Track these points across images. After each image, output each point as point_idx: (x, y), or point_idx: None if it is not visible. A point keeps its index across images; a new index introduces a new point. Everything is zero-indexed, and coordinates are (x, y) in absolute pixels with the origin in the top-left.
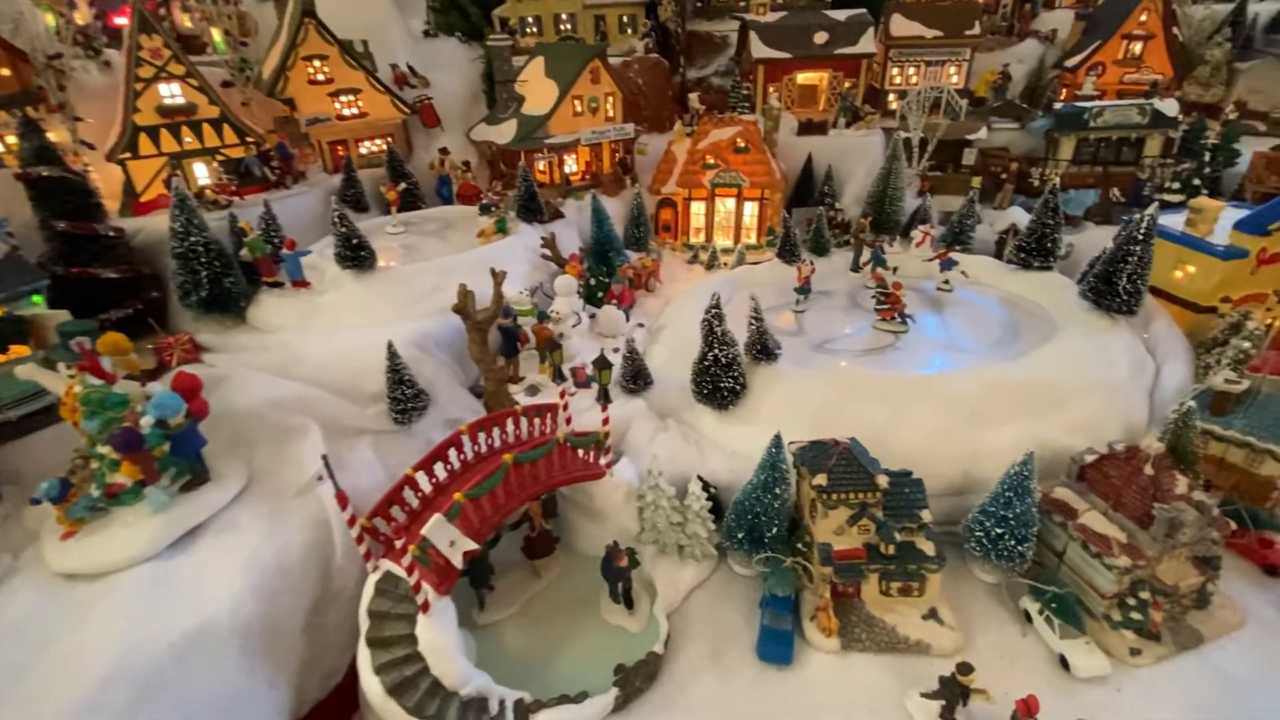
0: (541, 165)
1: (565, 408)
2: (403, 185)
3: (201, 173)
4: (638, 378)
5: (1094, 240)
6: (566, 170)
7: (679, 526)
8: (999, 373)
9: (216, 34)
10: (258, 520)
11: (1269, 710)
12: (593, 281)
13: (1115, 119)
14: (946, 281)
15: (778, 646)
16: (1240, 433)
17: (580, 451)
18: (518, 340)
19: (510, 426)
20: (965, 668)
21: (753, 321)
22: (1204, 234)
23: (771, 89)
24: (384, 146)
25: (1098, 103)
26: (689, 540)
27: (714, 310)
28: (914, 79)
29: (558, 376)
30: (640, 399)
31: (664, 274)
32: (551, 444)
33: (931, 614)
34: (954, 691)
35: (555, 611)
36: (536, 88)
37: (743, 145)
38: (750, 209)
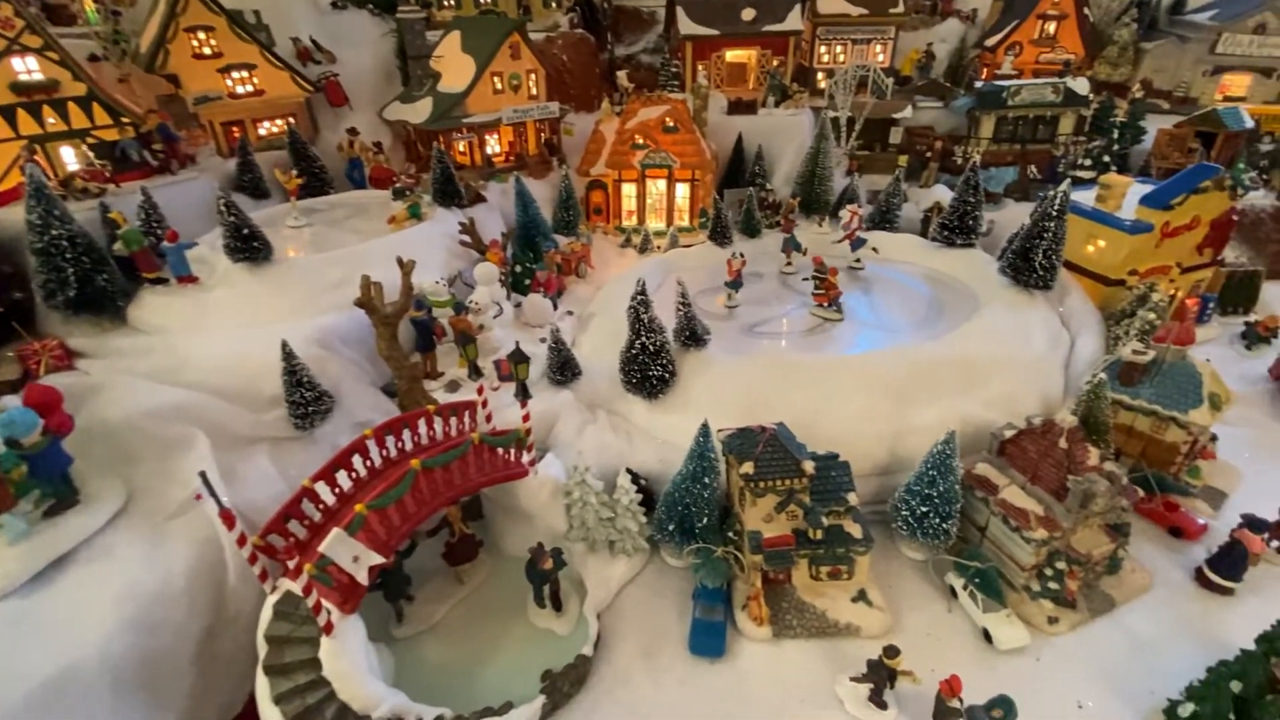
0: (461, 146)
1: (484, 405)
2: (294, 173)
3: (70, 157)
4: (565, 368)
5: (1013, 217)
6: (489, 151)
7: (609, 522)
8: (923, 352)
9: (88, 1)
10: (136, 545)
11: (1175, 668)
12: (518, 269)
13: (1032, 97)
14: (858, 260)
15: (709, 639)
16: (1147, 401)
17: (500, 451)
18: (433, 334)
19: (423, 428)
20: (892, 651)
21: (680, 308)
22: (1113, 209)
23: (700, 67)
24: (285, 127)
25: (1015, 81)
26: (619, 535)
27: (640, 297)
28: (841, 57)
29: (473, 372)
30: (568, 390)
31: (595, 259)
32: (465, 446)
33: (861, 596)
34: (881, 675)
35: (480, 619)
36: (453, 64)
37: (672, 125)
38: (682, 190)
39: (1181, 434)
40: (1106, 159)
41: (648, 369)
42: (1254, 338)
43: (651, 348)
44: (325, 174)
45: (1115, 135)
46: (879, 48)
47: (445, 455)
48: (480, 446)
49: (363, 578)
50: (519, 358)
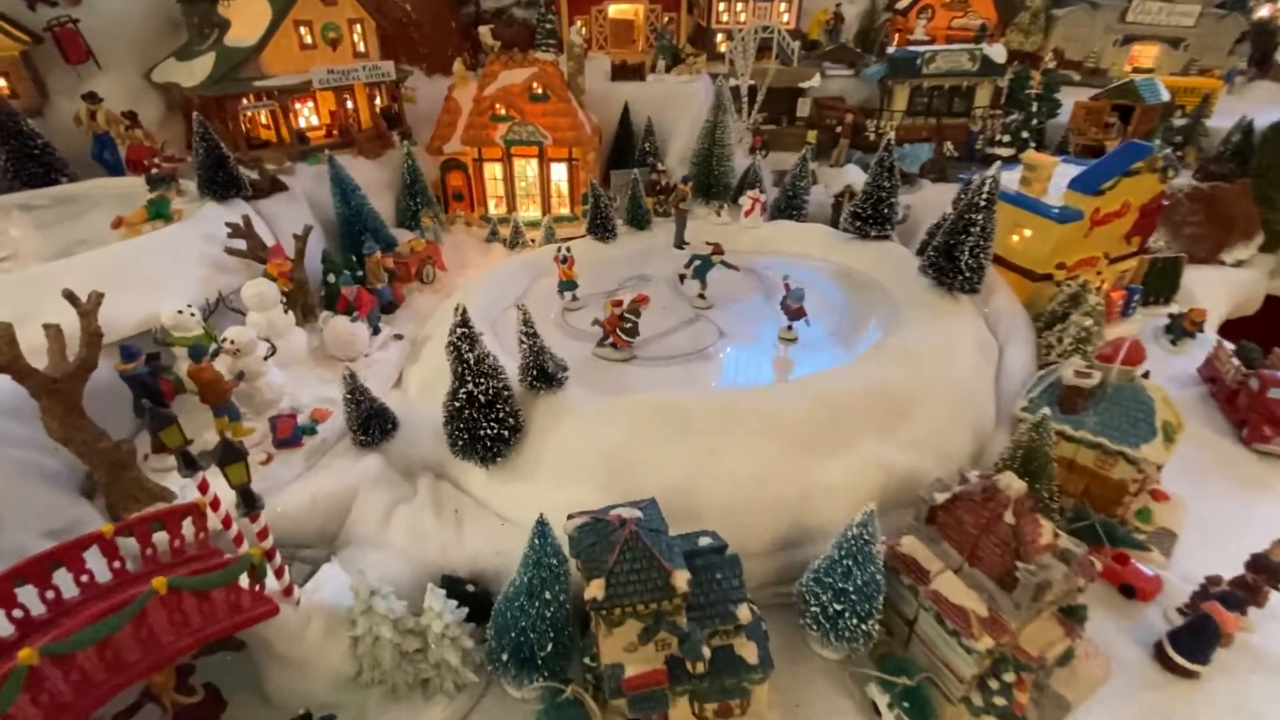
0: (264, 118)
1: (214, 506)
2: None
3: None
4: (370, 425)
5: (931, 200)
6: (304, 124)
7: (416, 656)
8: (832, 383)
9: None
10: None
11: None
12: (330, 279)
13: (947, 65)
14: (703, 295)
15: None
16: (1091, 433)
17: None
18: (159, 393)
19: (99, 559)
20: None
21: (524, 339)
22: (1039, 193)
23: (579, 22)
24: None
25: (930, 47)
26: (434, 672)
27: (461, 329)
28: (743, 16)
29: (186, 465)
30: (376, 455)
31: (451, 258)
32: (142, 599)
33: None
34: None
35: None
36: (246, 10)
37: (540, 91)
38: (559, 172)
39: (1131, 470)
40: (1025, 134)
41: (477, 426)
42: (1179, 332)
43: (483, 397)
44: (52, 156)
45: (1034, 109)
46: (783, 6)
47: (106, 623)
48: (177, 595)
49: None
50: (227, 455)
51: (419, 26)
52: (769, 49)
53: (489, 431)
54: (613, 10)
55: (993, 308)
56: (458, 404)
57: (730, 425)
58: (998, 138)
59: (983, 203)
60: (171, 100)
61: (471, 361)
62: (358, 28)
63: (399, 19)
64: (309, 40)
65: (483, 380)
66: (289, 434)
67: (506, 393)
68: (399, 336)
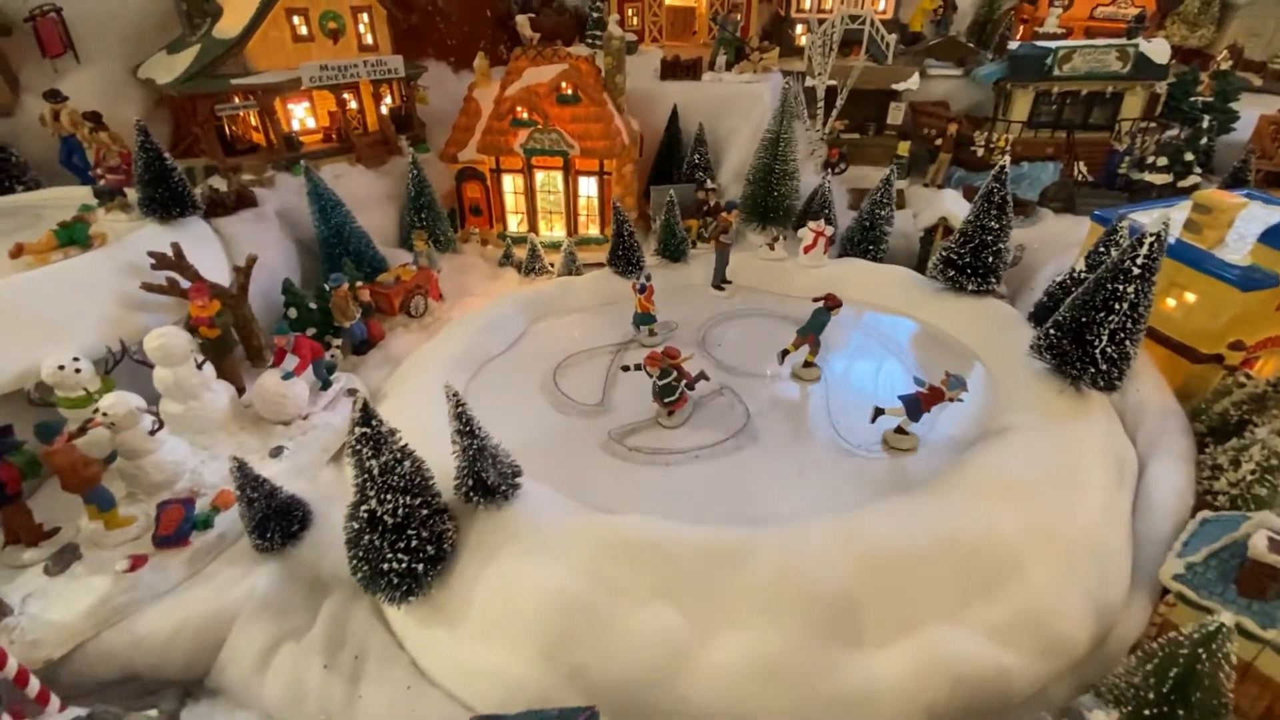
0: (253, 119)
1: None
2: None
3: None
4: (269, 526)
5: (1053, 236)
6: (298, 127)
7: None
8: (884, 524)
9: None
10: None
11: None
12: (291, 314)
13: (1088, 66)
14: (810, 362)
15: None
16: None
17: None
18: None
19: None
20: None
21: (460, 436)
22: (1211, 245)
23: (629, 11)
24: None
25: (1065, 43)
26: None
27: (362, 427)
28: (829, 4)
29: None
30: (274, 562)
31: (455, 284)
32: None
33: None
34: None
35: None
36: None
37: (570, 93)
38: (588, 186)
39: None
40: (1189, 156)
41: (379, 556)
42: None
43: (390, 519)
44: (7, 161)
45: (1205, 123)
46: None
47: None
48: None
49: None
50: None
51: (446, 15)
52: (858, 43)
53: (396, 565)
54: None
55: (1131, 399)
56: (357, 525)
57: (732, 584)
58: (1150, 160)
59: (1138, 269)
60: (160, 99)
61: (375, 472)
62: (364, 17)
63: (423, 6)
64: (304, 31)
65: (390, 497)
66: (172, 530)
67: (425, 511)
68: (352, 392)
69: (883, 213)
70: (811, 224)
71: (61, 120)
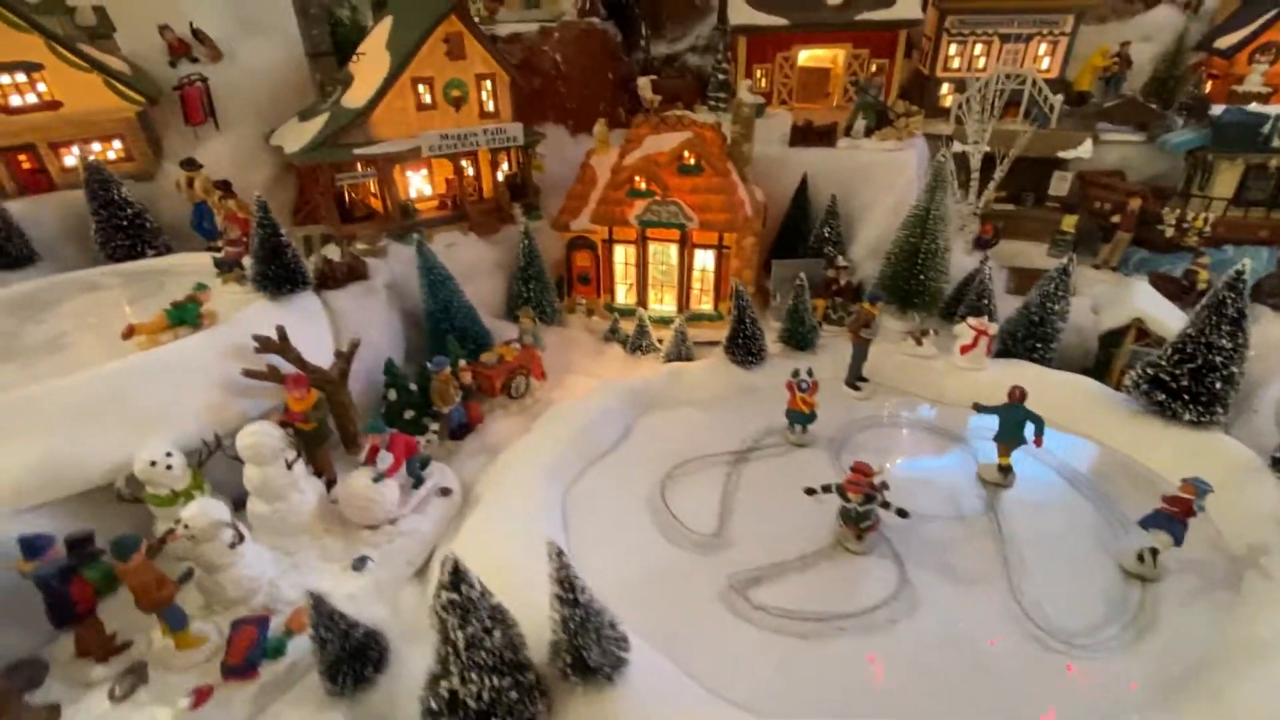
0: (373, 186)
1: None
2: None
3: None
4: (340, 669)
5: (1274, 341)
6: (415, 194)
7: None
8: None
9: None
10: None
11: None
12: (392, 397)
13: None
14: (1005, 465)
15: None
16: None
17: None
18: (67, 601)
19: None
20: None
21: (563, 595)
22: None
23: (758, 72)
24: (108, 155)
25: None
26: None
27: (450, 591)
28: (982, 62)
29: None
30: (342, 710)
31: (558, 359)
32: None
33: None
34: None
35: None
36: (371, 65)
37: (692, 162)
38: (704, 259)
39: None
40: None
41: None
42: None
43: (472, 701)
44: (142, 227)
45: None
46: (1043, 48)
47: None
48: None
49: None
50: None
51: (568, 80)
52: (1015, 104)
53: None
54: (804, 56)
55: None
56: (435, 705)
57: None
58: None
59: None
60: (288, 164)
61: (460, 645)
62: (487, 84)
63: (547, 71)
64: (428, 100)
65: (475, 677)
66: (241, 659)
67: (514, 694)
68: (445, 492)
69: (1056, 307)
70: (972, 320)
71: (195, 187)
